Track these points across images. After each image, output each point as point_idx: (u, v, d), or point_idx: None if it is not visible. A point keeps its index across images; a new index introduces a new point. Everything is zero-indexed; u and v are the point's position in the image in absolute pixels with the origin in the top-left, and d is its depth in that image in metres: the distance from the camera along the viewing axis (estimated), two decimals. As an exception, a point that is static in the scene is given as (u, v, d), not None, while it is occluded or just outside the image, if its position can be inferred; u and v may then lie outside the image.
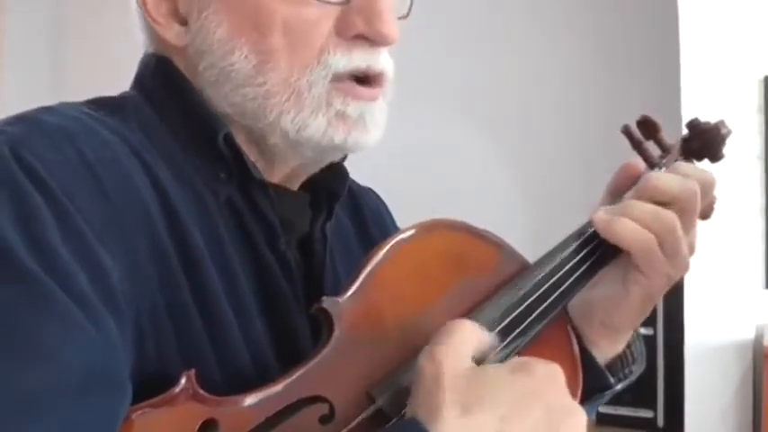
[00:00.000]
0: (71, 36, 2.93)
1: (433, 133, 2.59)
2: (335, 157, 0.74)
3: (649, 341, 2.02)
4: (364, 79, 0.70)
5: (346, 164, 0.79)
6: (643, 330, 1.98)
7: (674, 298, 2.00)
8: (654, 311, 2.03)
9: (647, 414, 2.04)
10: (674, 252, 0.73)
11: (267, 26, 0.67)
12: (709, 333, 1.95)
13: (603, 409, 2.14)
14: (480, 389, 0.57)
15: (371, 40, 0.68)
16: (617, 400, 2.06)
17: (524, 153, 2.55)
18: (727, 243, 1.94)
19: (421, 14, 2.63)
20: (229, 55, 0.68)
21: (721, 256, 1.95)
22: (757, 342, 1.93)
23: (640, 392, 2.03)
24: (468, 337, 0.61)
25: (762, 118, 1.93)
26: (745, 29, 1.93)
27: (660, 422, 2.04)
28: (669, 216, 0.72)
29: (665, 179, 0.74)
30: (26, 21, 2.88)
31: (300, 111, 0.67)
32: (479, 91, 2.59)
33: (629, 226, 0.72)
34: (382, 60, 0.70)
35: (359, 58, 0.68)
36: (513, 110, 2.57)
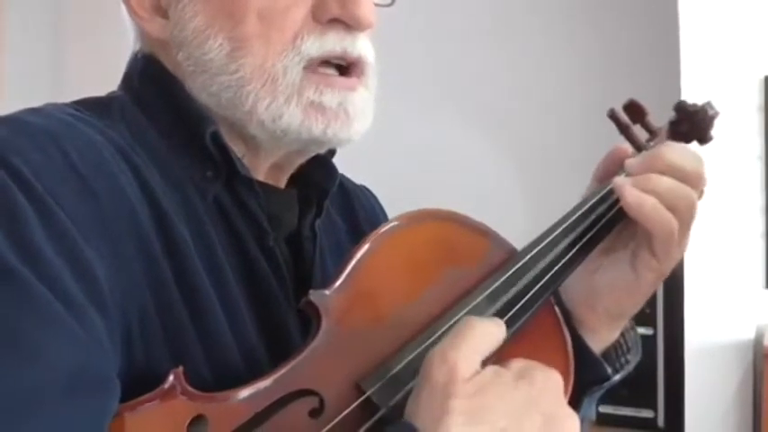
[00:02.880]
0: (71, 36, 2.93)
1: (433, 132, 2.59)
2: (320, 149, 0.74)
3: (649, 341, 2.02)
4: (344, 69, 0.69)
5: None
6: (643, 330, 1.99)
7: (674, 298, 2.00)
8: (654, 311, 2.03)
9: (648, 414, 2.04)
10: (686, 231, 0.73)
11: (241, 13, 0.67)
12: (709, 333, 1.95)
13: (603, 409, 2.14)
14: (485, 397, 0.56)
15: (346, 23, 0.68)
16: (617, 399, 2.06)
17: (525, 151, 2.55)
18: (728, 243, 1.94)
19: (421, 14, 2.61)
20: (204, 44, 0.68)
21: (721, 256, 1.94)
22: (757, 342, 1.93)
23: (640, 392, 2.03)
24: (485, 339, 0.60)
25: (762, 118, 1.93)
26: (745, 29, 1.93)
27: (660, 422, 2.03)
28: (692, 192, 0.71)
29: (679, 153, 0.72)
30: (26, 20, 2.88)
31: (275, 98, 0.67)
32: (478, 89, 2.59)
33: (659, 209, 0.71)
34: (359, 45, 0.69)
35: (332, 42, 0.68)
36: (512, 108, 2.57)
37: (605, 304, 0.76)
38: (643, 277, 0.74)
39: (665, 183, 0.71)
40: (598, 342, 0.77)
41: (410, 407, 0.57)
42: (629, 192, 0.71)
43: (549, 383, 0.60)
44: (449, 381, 0.56)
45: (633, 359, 0.80)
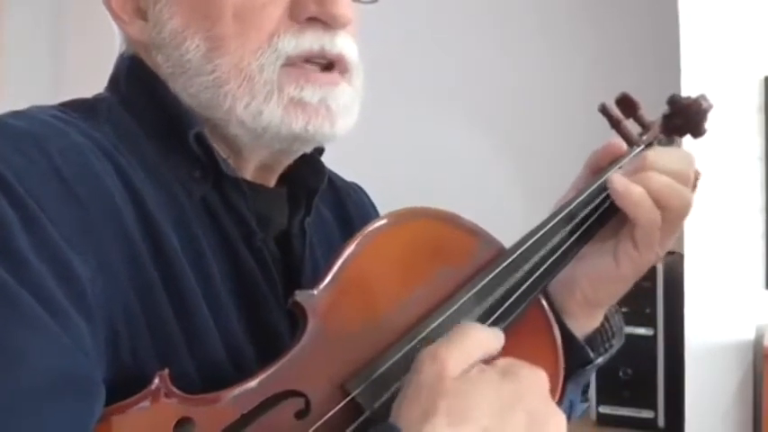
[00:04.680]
0: (71, 36, 2.93)
1: (433, 131, 2.59)
2: (306, 148, 0.74)
3: (649, 341, 2.01)
4: (327, 66, 0.69)
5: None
6: (643, 330, 1.99)
7: (674, 298, 1.99)
8: (654, 311, 2.03)
9: (648, 414, 2.04)
10: (673, 227, 0.74)
11: (217, 13, 0.67)
12: (709, 333, 1.95)
13: (603, 410, 2.15)
14: (469, 396, 0.56)
15: (324, 21, 0.68)
16: (617, 400, 2.06)
17: (525, 150, 2.55)
18: (727, 243, 1.94)
19: (421, 14, 2.60)
20: (182, 45, 0.68)
21: (721, 256, 1.94)
22: (757, 342, 1.92)
23: (640, 392, 2.03)
24: (479, 344, 0.60)
25: (762, 118, 1.93)
26: (745, 29, 1.92)
27: (660, 422, 2.03)
28: (688, 194, 0.73)
29: (666, 157, 0.74)
30: (26, 20, 2.87)
31: (254, 97, 0.67)
32: (477, 88, 2.59)
33: (645, 199, 0.72)
34: (339, 43, 0.69)
35: (310, 41, 0.68)
36: (513, 107, 2.57)
37: (583, 291, 0.77)
38: (622, 267, 0.75)
39: (660, 179, 0.72)
40: (578, 328, 0.78)
41: (397, 403, 0.57)
42: (618, 179, 0.72)
43: (535, 381, 0.60)
44: (437, 379, 0.56)
45: (617, 343, 0.81)
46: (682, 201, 0.73)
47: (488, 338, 0.61)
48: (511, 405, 0.57)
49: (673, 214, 0.73)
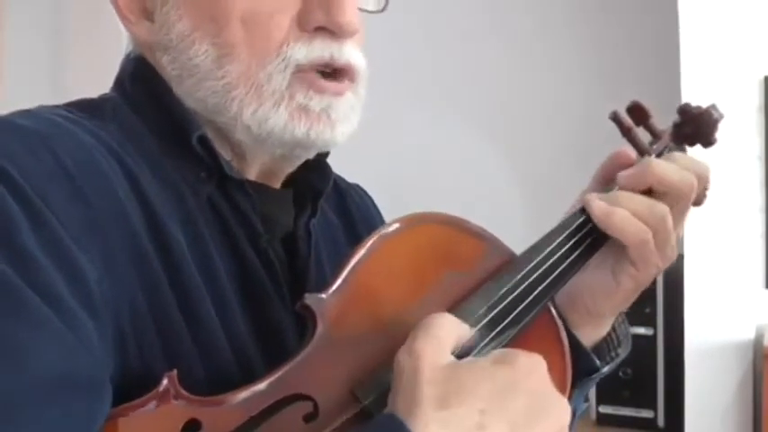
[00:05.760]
0: (71, 36, 2.93)
1: (433, 133, 2.59)
2: (307, 155, 0.73)
3: (649, 341, 2.02)
4: (332, 74, 0.69)
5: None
6: (643, 330, 1.99)
7: (674, 298, 2.00)
8: (654, 311, 2.03)
9: (648, 414, 2.04)
10: (664, 244, 0.73)
11: (225, 19, 0.67)
12: (709, 333, 1.95)
13: (603, 410, 2.14)
14: (460, 382, 0.56)
15: (331, 31, 0.68)
16: (617, 400, 2.06)
17: (525, 153, 2.55)
18: (727, 243, 1.94)
19: (421, 14, 2.61)
20: (189, 49, 0.68)
21: (721, 255, 1.94)
22: (757, 342, 1.93)
23: (640, 392, 2.03)
24: (449, 330, 0.60)
25: (762, 118, 1.93)
26: (745, 29, 1.93)
27: (660, 422, 2.03)
28: (664, 209, 0.72)
29: (665, 167, 0.73)
30: (26, 20, 2.87)
31: (261, 104, 0.67)
32: (478, 90, 2.59)
33: (627, 218, 0.71)
34: (346, 52, 0.69)
35: (319, 49, 0.68)
36: (513, 109, 2.57)
37: (585, 303, 0.77)
38: (622, 283, 0.75)
39: (633, 200, 0.72)
40: (583, 337, 0.78)
41: (389, 404, 0.57)
42: (597, 204, 0.72)
43: (533, 367, 0.59)
44: (416, 370, 0.56)
45: (623, 352, 0.81)
46: (656, 218, 0.71)
47: (458, 325, 0.61)
48: (508, 389, 0.56)
49: (660, 233, 0.72)
